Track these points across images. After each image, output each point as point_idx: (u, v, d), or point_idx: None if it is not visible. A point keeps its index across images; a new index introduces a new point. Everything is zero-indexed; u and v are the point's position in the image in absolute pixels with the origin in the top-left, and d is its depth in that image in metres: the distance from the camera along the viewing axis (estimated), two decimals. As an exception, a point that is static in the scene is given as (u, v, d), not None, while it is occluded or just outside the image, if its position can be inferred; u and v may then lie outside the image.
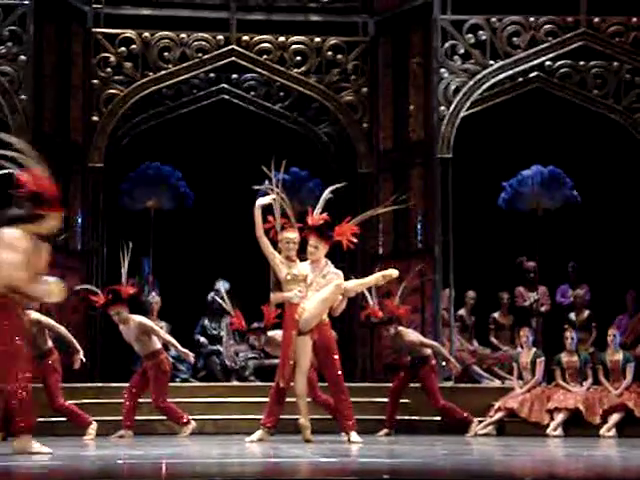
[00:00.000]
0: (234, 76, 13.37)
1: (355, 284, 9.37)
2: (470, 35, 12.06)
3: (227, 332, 12.26)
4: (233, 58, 12.52)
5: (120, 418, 10.07)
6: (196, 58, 12.44)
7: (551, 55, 12.27)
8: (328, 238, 9.07)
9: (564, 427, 10.66)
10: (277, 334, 9.85)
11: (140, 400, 10.14)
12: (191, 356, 10.30)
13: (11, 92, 11.56)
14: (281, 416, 9.18)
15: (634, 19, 12.15)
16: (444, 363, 11.22)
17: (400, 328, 10.39)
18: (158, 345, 10.09)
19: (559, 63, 12.73)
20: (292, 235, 9.08)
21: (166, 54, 12.40)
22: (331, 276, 9.05)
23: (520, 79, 12.81)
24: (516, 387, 11.04)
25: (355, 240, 9.21)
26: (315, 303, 8.92)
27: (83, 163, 12.17)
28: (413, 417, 10.96)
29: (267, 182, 9.52)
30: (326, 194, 9.24)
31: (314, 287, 9.01)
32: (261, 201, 9.04)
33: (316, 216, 9.09)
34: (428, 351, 10.48)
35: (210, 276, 12.80)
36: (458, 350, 11.83)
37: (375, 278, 9.24)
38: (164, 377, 10.01)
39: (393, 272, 9.13)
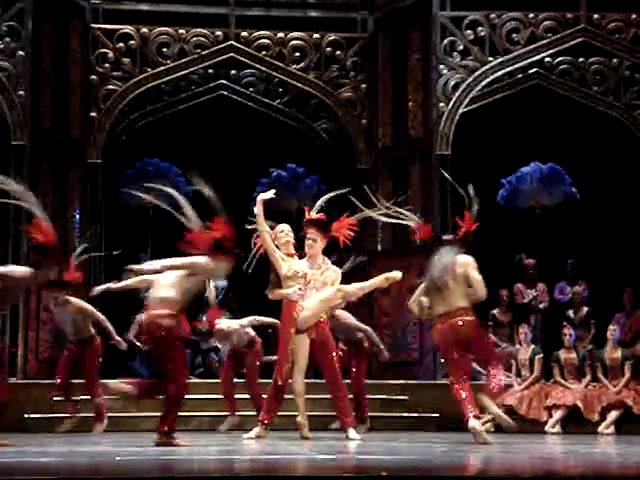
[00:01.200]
0: (233, 72, 13.36)
1: (357, 288, 9.11)
2: (469, 31, 12.05)
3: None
4: (232, 54, 12.50)
5: (116, 415, 10.11)
6: (195, 54, 12.43)
7: (550, 51, 12.26)
8: (327, 232, 9.03)
9: (562, 424, 10.66)
10: (224, 324, 9.84)
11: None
12: (123, 344, 10.41)
13: (9, 88, 11.56)
14: (279, 413, 9.16)
15: (634, 15, 12.15)
16: (442, 360, 11.18)
17: (337, 312, 10.12)
18: (93, 330, 10.17)
19: (558, 59, 12.72)
20: (285, 225, 9.06)
21: (165, 50, 12.38)
22: (329, 273, 9.03)
23: (519, 76, 12.79)
24: (515, 384, 11.04)
25: (352, 234, 9.15)
26: (314, 303, 8.87)
27: (82, 159, 12.16)
28: (412, 414, 10.95)
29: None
30: (325, 199, 9.19)
31: (312, 284, 8.97)
32: (263, 195, 9.00)
33: (313, 214, 9.06)
34: (360, 335, 10.28)
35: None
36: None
37: (379, 281, 8.99)
38: (97, 362, 10.18)
39: (396, 274, 8.94)
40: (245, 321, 10.01)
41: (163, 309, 7.70)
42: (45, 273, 7.87)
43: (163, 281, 7.83)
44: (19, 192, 7.82)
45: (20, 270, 7.87)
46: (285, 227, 9.10)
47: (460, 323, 8.50)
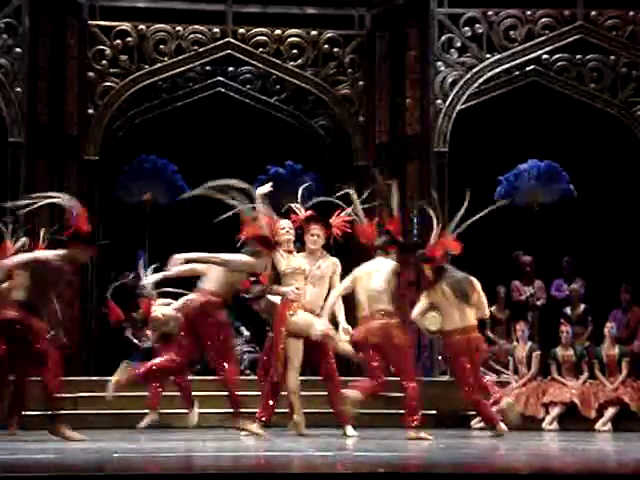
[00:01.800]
0: (230, 69, 13.36)
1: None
2: (467, 28, 12.05)
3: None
4: (229, 51, 12.49)
5: (113, 412, 10.10)
6: (192, 51, 12.41)
7: (548, 48, 12.26)
8: (328, 227, 9.01)
9: (559, 421, 10.66)
10: (160, 311, 9.77)
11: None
12: None
13: (6, 85, 11.55)
14: (276, 410, 9.15)
15: (631, 12, 12.15)
16: (439, 357, 11.21)
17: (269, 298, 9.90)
18: None
19: (556, 57, 12.72)
20: (286, 222, 9.02)
21: (162, 47, 12.37)
22: (326, 265, 8.98)
23: (517, 73, 12.79)
24: (512, 381, 11.04)
25: (349, 230, 9.11)
26: (309, 319, 8.81)
27: (79, 156, 12.14)
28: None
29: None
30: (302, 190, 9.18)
31: (309, 279, 8.95)
32: (261, 190, 8.95)
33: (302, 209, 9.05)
34: None
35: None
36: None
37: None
38: None
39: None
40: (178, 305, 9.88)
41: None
42: (262, 262, 8.60)
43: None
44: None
45: (246, 259, 8.48)
46: (286, 224, 9.07)
47: (476, 337, 8.94)
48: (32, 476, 5.37)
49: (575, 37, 12.14)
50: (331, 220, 9.07)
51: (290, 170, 13.59)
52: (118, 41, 12.32)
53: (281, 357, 8.83)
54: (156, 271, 9.66)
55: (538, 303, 12.69)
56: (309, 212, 9.07)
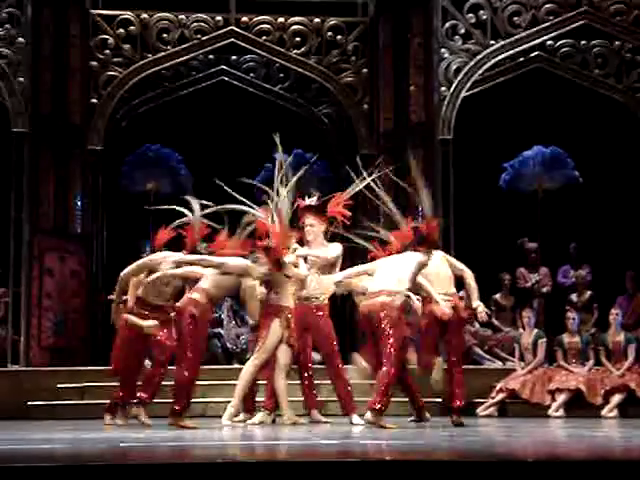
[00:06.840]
0: (233, 57, 13.33)
1: None
2: (471, 15, 12.01)
3: (228, 315, 12.24)
4: (232, 39, 12.46)
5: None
6: (195, 39, 12.38)
7: (552, 34, 12.22)
8: (323, 214, 8.97)
9: (566, 408, 10.65)
10: None
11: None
12: None
13: (9, 75, 11.54)
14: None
15: (635, -2, 12.10)
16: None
17: None
18: None
19: (560, 42, 12.68)
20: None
21: (165, 35, 12.34)
22: (327, 254, 8.93)
23: (521, 59, 12.75)
24: (518, 368, 11.04)
25: (349, 213, 9.03)
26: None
27: (82, 146, 12.13)
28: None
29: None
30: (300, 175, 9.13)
31: (313, 271, 8.91)
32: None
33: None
34: None
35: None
36: (460, 331, 11.78)
37: None
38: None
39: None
40: None
41: None
42: (259, 270, 8.65)
43: None
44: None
45: (241, 261, 8.62)
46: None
47: None
48: (38, 466, 5.36)
49: (579, 23, 12.09)
50: (328, 205, 9.01)
51: (300, 159, 13.54)
52: (121, 30, 12.29)
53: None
54: None
55: (544, 290, 12.67)
56: (305, 203, 9.02)
